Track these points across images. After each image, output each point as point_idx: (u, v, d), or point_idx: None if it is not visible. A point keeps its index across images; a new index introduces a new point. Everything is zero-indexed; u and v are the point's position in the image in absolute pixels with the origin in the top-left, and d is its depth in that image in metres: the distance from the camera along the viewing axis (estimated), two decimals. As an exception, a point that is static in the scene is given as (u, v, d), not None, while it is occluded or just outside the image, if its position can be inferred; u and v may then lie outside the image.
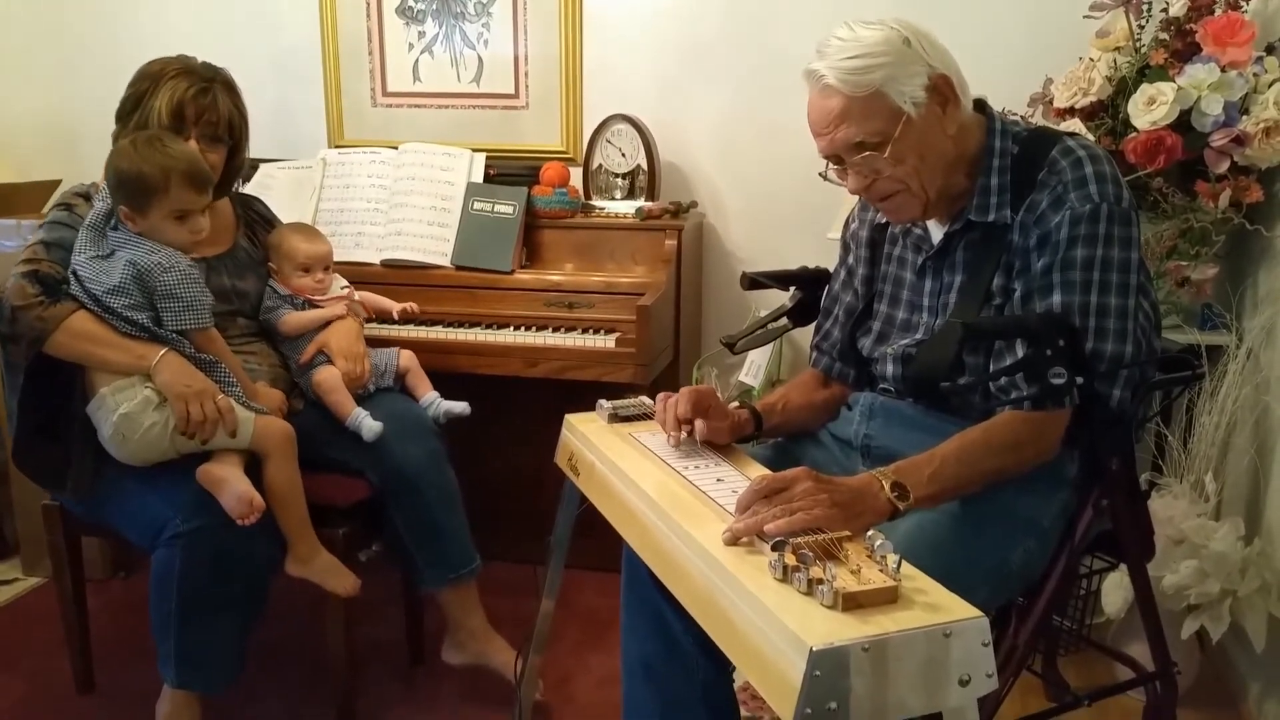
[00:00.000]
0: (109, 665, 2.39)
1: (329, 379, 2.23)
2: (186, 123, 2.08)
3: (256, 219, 2.39)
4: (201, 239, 2.04)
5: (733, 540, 1.24)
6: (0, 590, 2.85)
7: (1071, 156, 1.53)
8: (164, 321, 1.96)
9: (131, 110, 2.10)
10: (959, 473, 1.45)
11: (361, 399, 2.26)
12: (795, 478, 1.32)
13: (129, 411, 1.92)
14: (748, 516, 1.27)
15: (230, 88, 2.18)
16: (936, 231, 1.66)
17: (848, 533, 1.24)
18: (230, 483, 1.92)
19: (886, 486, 1.36)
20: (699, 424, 1.56)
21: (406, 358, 2.40)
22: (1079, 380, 1.43)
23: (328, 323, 2.30)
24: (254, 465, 2.01)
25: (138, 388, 1.94)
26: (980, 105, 1.63)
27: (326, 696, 2.24)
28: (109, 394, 1.94)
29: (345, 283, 2.43)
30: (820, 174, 1.65)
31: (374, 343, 2.42)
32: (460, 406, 2.33)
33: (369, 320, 2.49)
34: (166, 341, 1.96)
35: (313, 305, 2.31)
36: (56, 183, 3.16)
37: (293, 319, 2.27)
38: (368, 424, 2.17)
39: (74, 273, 1.98)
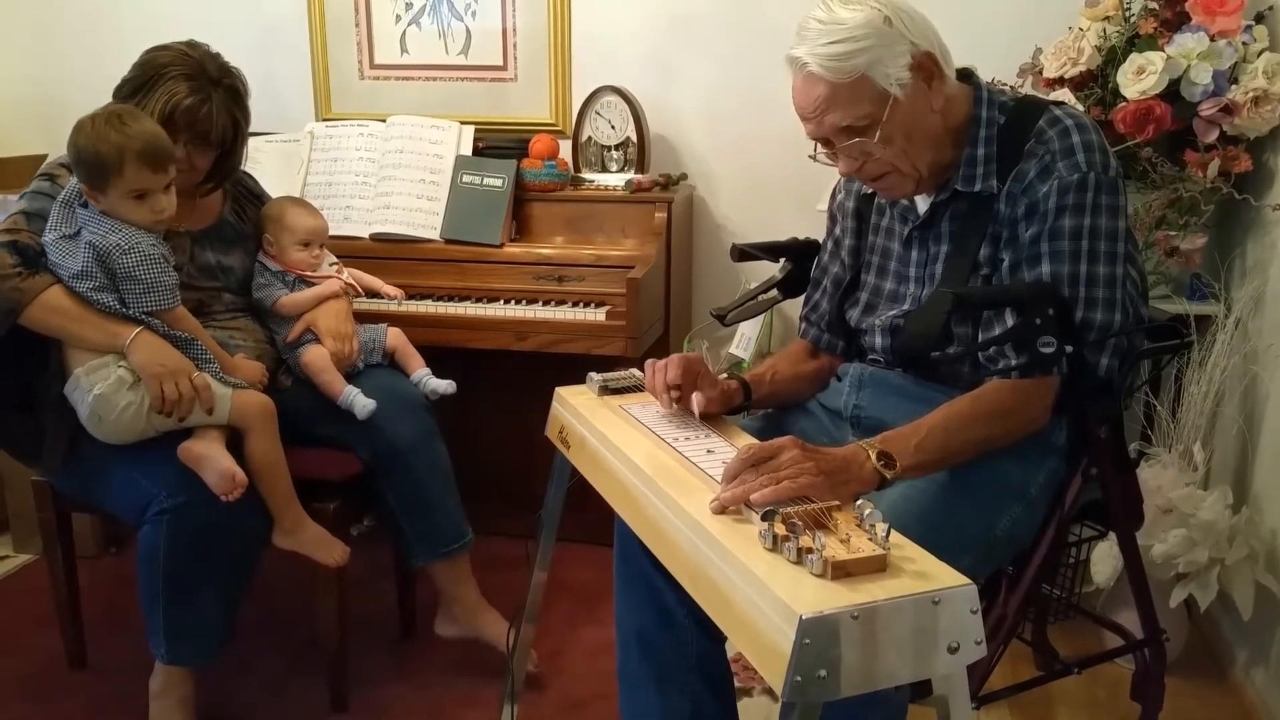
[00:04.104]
0: (101, 641, 2.39)
1: (318, 359, 2.21)
2: (177, 128, 2.02)
3: (244, 194, 2.36)
4: (165, 218, 1.97)
5: (720, 510, 1.24)
6: (-9, 567, 2.85)
7: (1059, 126, 1.53)
8: (127, 303, 1.93)
9: (129, 96, 2.05)
10: (946, 442, 1.45)
11: (351, 376, 2.24)
12: (781, 446, 1.32)
13: (103, 393, 1.90)
14: (735, 486, 1.26)
15: (234, 93, 2.12)
16: (923, 202, 1.66)
17: (836, 502, 1.24)
18: (212, 459, 1.92)
19: (873, 456, 1.37)
20: (696, 396, 1.56)
21: (394, 336, 2.37)
22: (1068, 349, 1.44)
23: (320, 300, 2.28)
24: (237, 439, 2.00)
25: (111, 368, 1.92)
26: (966, 75, 1.63)
27: (319, 670, 2.24)
28: (83, 375, 1.92)
29: (334, 259, 2.41)
30: (810, 155, 1.64)
31: (364, 319, 2.41)
32: (445, 385, 2.31)
33: (359, 297, 2.47)
34: (140, 320, 1.94)
35: (305, 282, 2.28)
36: (42, 157, 3.12)
37: (289, 301, 2.24)
38: (360, 402, 2.16)
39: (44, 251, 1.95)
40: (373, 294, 2.51)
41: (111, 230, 1.92)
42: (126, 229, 1.93)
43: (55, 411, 2.00)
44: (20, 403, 2.06)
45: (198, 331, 2.02)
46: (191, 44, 2.11)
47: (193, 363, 1.96)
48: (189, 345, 1.97)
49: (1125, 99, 2.33)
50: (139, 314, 1.93)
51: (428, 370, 2.35)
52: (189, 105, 2.03)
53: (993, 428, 1.49)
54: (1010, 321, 1.50)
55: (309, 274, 2.30)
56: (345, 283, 2.35)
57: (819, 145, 1.61)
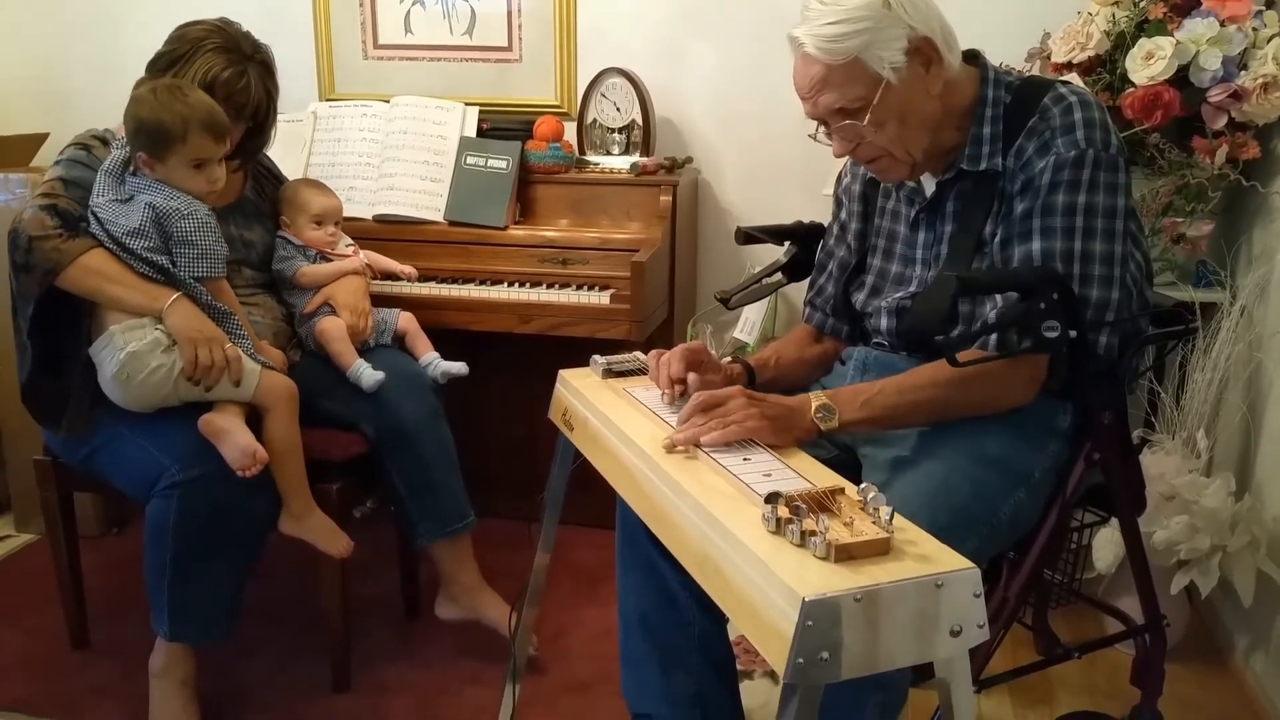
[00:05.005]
0: (103, 621, 2.40)
1: (332, 328, 2.24)
2: (214, 99, 2.05)
3: (263, 172, 2.40)
4: (218, 188, 2.04)
5: (671, 448, 1.36)
6: (-6, 546, 2.86)
7: (1062, 103, 1.53)
8: (178, 265, 1.96)
9: (165, 69, 2.08)
10: (896, 401, 1.50)
11: (360, 353, 2.26)
12: (729, 394, 1.42)
13: (137, 350, 1.92)
14: (687, 428, 1.37)
15: (266, 67, 2.17)
16: (930, 184, 1.66)
17: (778, 444, 1.37)
18: (233, 433, 1.93)
19: (814, 407, 1.44)
20: (692, 378, 1.57)
21: (405, 319, 2.40)
22: (1072, 334, 1.43)
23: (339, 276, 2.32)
24: (252, 420, 2.00)
25: (148, 328, 1.94)
26: (973, 56, 1.62)
27: (322, 651, 2.25)
28: (119, 332, 1.94)
29: (350, 240, 2.44)
30: (811, 135, 1.65)
31: (375, 301, 2.42)
32: (458, 366, 2.34)
33: (375, 279, 2.51)
34: (182, 286, 1.96)
35: (325, 259, 2.33)
36: (44, 136, 3.12)
37: (310, 271, 2.29)
38: (368, 374, 2.18)
39: (93, 214, 1.97)
40: (387, 275, 2.54)
41: (171, 196, 1.97)
42: (184, 196, 1.98)
43: (82, 375, 2.02)
44: (49, 368, 2.06)
45: (235, 307, 2.05)
46: (224, 20, 2.16)
47: (227, 335, 1.98)
48: (225, 319, 2.00)
49: (1134, 84, 2.32)
50: (189, 278, 1.96)
51: (437, 354, 2.36)
52: (228, 77, 2.08)
53: (949, 392, 1.50)
54: (999, 301, 1.50)
55: (329, 252, 2.34)
56: (363, 262, 2.40)
57: (819, 126, 1.61)
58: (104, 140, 2.09)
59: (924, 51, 1.52)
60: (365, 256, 2.44)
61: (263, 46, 2.19)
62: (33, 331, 2.02)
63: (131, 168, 2.00)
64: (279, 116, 2.90)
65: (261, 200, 2.34)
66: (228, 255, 2.05)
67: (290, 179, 2.46)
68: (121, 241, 1.95)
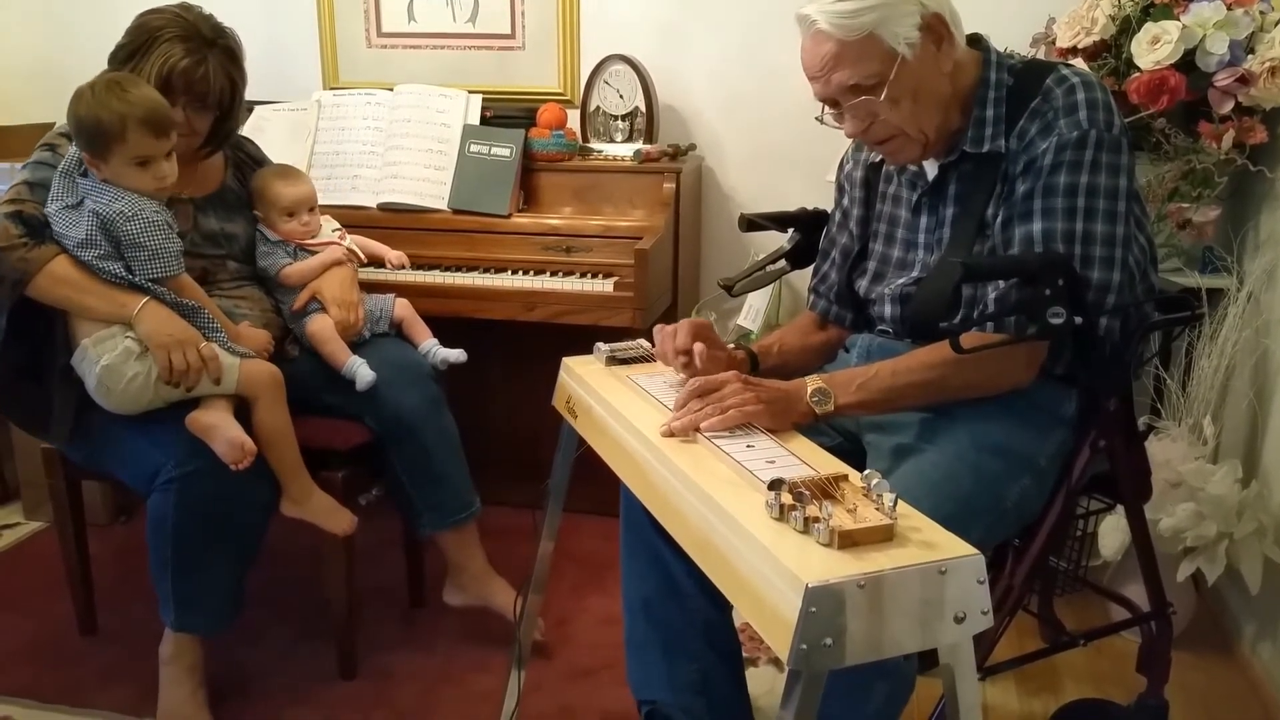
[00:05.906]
0: (112, 607, 2.41)
1: (323, 329, 2.20)
2: (174, 91, 2.01)
3: (245, 159, 2.34)
4: (167, 185, 1.96)
5: (669, 434, 1.38)
6: (2, 534, 2.87)
7: (1065, 84, 1.53)
8: (133, 270, 1.92)
9: (124, 61, 2.03)
10: (892, 384, 1.51)
11: (357, 345, 2.24)
12: (725, 380, 1.44)
13: (110, 363, 1.90)
14: (684, 414, 1.39)
15: (230, 54, 2.10)
16: (931, 168, 1.65)
17: (775, 428, 1.39)
18: (220, 429, 1.92)
19: (809, 391, 1.46)
20: (698, 347, 1.57)
21: (402, 307, 2.37)
22: (1078, 320, 1.43)
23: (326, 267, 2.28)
24: (244, 408, 2.00)
25: (118, 338, 1.91)
26: (975, 40, 1.62)
27: (328, 637, 2.26)
28: (90, 345, 1.91)
29: (336, 225, 2.40)
30: (817, 118, 1.64)
31: (370, 288, 2.40)
32: (456, 354, 2.31)
33: (363, 265, 2.46)
34: (147, 290, 1.93)
35: (306, 250, 2.27)
36: (48, 125, 3.11)
37: (293, 271, 2.23)
38: (362, 372, 2.15)
39: (50, 222, 1.94)
40: (375, 259, 2.48)
41: (115, 198, 1.91)
42: (130, 196, 1.92)
43: (62, 383, 2.00)
44: (30, 374, 2.05)
45: (203, 299, 2.01)
46: (185, 6, 2.09)
47: (200, 332, 1.95)
48: (195, 314, 1.97)
49: (1139, 69, 2.31)
50: (145, 281, 1.92)
51: (435, 341, 2.34)
52: (185, 67, 2.02)
53: (945, 374, 1.51)
54: (1003, 286, 1.50)
55: (309, 242, 2.29)
56: (347, 249, 2.34)
57: (826, 108, 1.60)
58: (69, 136, 2.02)
59: (935, 28, 1.52)
60: (352, 241, 2.38)
61: (226, 31, 2.11)
62: (9, 341, 2.00)
63: (83, 168, 1.94)
64: (283, 106, 2.93)
65: (243, 189, 2.28)
66: (203, 248, 1.99)
67: (263, 167, 2.36)
68: (74, 254, 1.91)
